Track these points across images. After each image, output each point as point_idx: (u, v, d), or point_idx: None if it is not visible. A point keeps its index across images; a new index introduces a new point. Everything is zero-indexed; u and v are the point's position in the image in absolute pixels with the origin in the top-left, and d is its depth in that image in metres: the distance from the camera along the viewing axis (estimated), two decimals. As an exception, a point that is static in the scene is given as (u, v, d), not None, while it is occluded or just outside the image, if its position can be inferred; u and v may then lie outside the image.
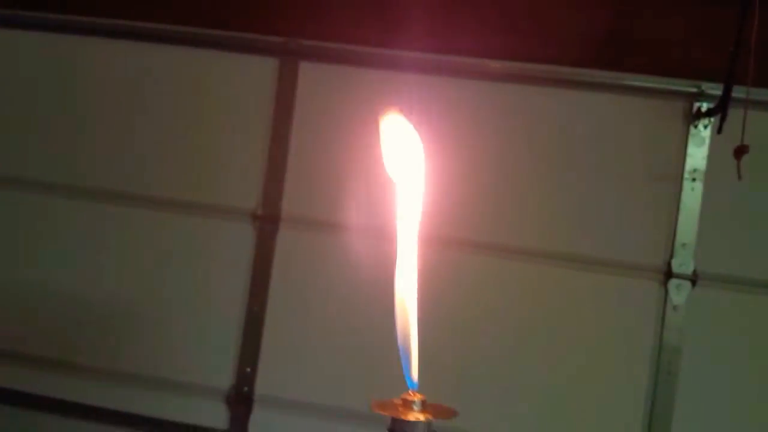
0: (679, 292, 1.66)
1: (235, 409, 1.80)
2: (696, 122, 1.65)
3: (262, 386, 1.79)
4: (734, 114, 1.50)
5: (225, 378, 1.80)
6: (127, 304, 1.85)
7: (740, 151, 1.46)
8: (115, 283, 1.86)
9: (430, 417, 0.56)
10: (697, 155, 1.66)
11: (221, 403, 1.80)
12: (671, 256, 1.66)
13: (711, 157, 1.65)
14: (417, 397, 0.58)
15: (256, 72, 1.82)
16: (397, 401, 0.58)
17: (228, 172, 1.83)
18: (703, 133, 1.65)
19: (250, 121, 1.82)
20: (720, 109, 1.52)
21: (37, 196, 1.89)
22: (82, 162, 1.88)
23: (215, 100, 1.84)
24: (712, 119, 1.62)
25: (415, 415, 0.56)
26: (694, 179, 1.66)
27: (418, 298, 0.60)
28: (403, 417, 0.56)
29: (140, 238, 1.85)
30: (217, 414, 1.80)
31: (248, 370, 1.79)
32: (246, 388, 1.79)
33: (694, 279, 1.66)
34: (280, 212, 1.80)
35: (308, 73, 1.80)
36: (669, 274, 1.66)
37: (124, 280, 1.86)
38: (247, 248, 1.80)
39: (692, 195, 1.66)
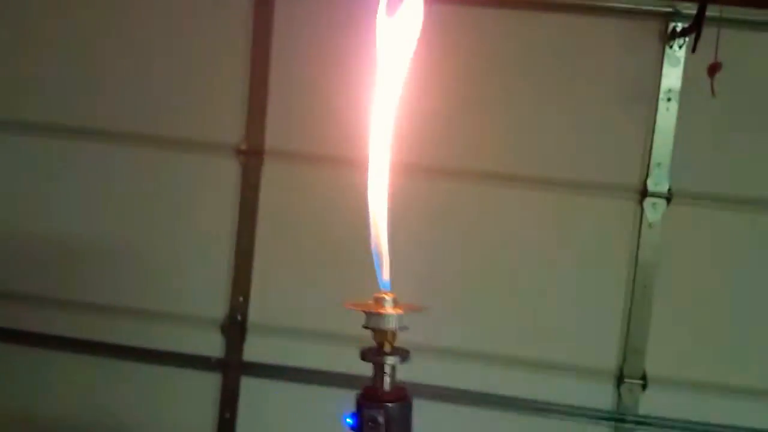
0: (654, 210, 1.70)
1: (230, 337, 1.86)
2: (671, 42, 1.65)
3: (254, 314, 1.86)
4: (709, 33, 1.52)
5: (219, 308, 1.86)
6: (119, 241, 1.89)
7: (713, 69, 1.49)
8: (105, 220, 1.89)
9: (401, 311, 0.61)
10: (672, 75, 1.67)
11: (217, 332, 1.86)
12: (647, 176, 1.71)
13: (686, 78, 1.66)
14: (388, 296, 0.63)
15: (230, 2, 1.80)
16: (370, 301, 0.63)
17: (209, 107, 1.83)
18: (678, 53, 1.66)
19: (228, 54, 1.81)
20: (695, 27, 1.53)
21: (26, 136, 1.89)
22: (65, 100, 1.87)
23: (191, 35, 1.82)
24: (687, 39, 1.63)
25: (387, 310, 0.61)
26: (669, 99, 1.68)
27: (390, 219, 0.64)
28: (375, 311, 0.60)
29: (126, 175, 1.87)
30: (213, 343, 1.87)
31: (241, 299, 1.85)
32: (239, 317, 1.85)
33: (669, 197, 1.70)
34: (264, 146, 1.82)
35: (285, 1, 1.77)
36: (644, 193, 1.71)
37: (113, 217, 1.89)
38: (233, 182, 1.83)
39: (667, 115, 1.68)
